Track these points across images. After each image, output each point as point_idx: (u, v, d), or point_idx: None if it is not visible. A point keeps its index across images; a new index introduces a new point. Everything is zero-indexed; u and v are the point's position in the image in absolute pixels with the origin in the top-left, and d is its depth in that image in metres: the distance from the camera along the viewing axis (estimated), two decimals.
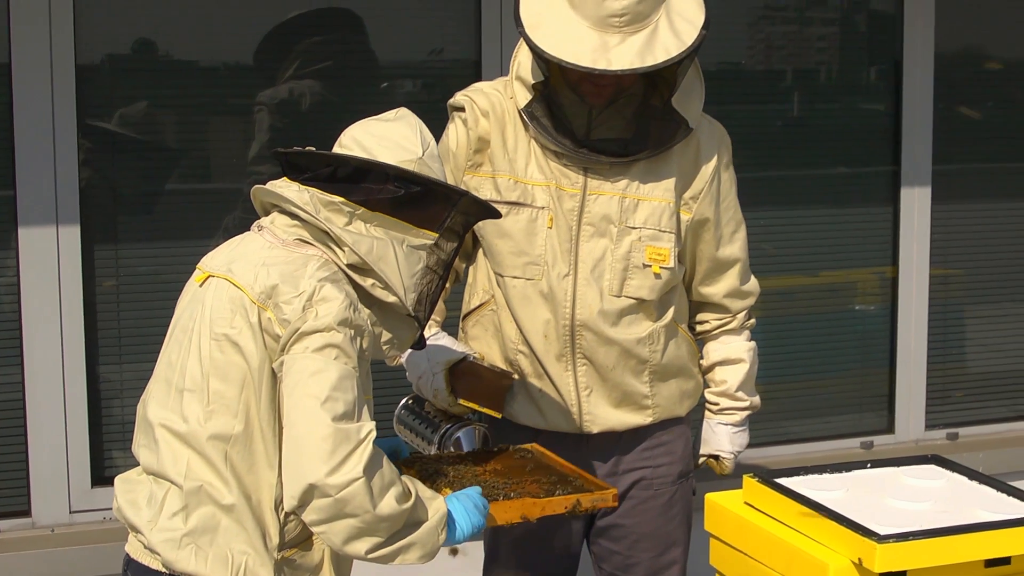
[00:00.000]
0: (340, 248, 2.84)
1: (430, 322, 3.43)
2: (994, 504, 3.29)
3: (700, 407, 3.84)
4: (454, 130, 3.58)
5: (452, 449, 3.42)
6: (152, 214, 4.51)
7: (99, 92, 4.37)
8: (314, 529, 2.70)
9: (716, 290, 3.71)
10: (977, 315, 5.59)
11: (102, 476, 4.37)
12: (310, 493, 2.65)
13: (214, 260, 2.95)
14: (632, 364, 3.56)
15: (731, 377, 3.76)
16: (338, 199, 2.84)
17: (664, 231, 3.53)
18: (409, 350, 3.24)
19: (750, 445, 4.77)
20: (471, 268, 3.70)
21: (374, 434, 2.71)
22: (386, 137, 2.91)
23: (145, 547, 2.82)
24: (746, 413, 3.80)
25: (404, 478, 2.81)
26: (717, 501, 3.44)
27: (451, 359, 3.47)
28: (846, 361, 5.31)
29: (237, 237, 3.02)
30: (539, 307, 3.52)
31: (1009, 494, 3.36)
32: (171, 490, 2.80)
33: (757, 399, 3.82)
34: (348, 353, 2.74)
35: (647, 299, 3.54)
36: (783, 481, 3.40)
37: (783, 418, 5.21)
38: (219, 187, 4.60)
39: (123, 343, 4.42)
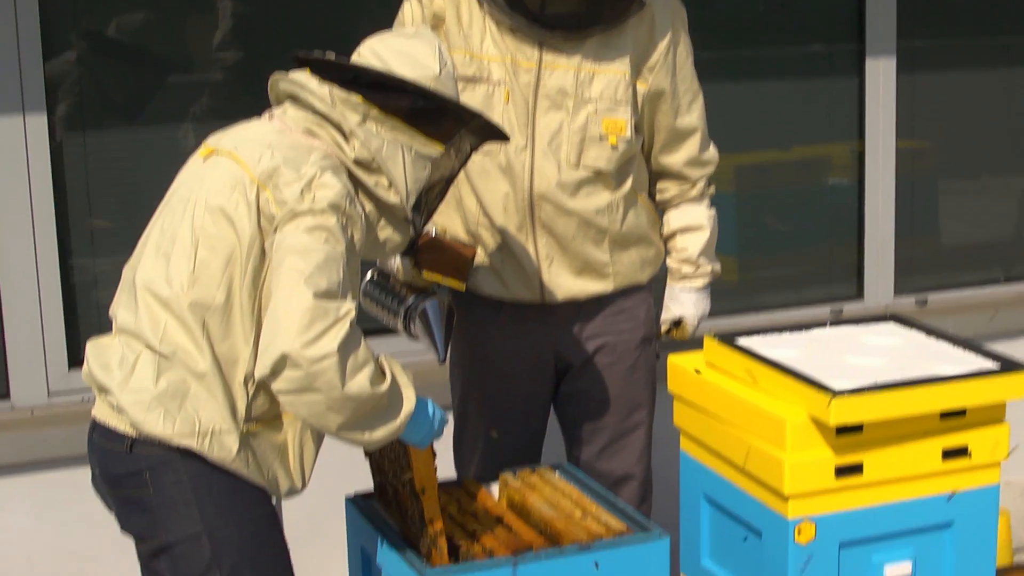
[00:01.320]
0: (348, 143, 2.92)
1: None
2: (951, 358, 3.35)
3: (663, 275, 3.89)
4: (409, 9, 3.60)
5: (418, 321, 3.47)
6: (120, 103, 4.51)
7: None
8: (281, 399, 2.75)
9: (675, 159, 3.75)
10: (946, 187, 5.61)
11: (79, 359, 4.40)
12: (282, 363, 2.70)
13: (221, 139, 3.01)
14: (592, 234, 3.60)
15: (692, 244, 3.80)
16: (356, 98, 2.93)
17: (620, 102, 3.56)
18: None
19: (721, 314, 4.86)
20: None
21: (353, 314, 2.75)
22: (405, 53, 3.00)
23: (113, 408, 2.88)
24: (707, 279, 3.85)
25: (383, 358, 2.87)
26: (678, 363, 3.51)
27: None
28: (815, 233, 5.34)
29: (246, 121, 3.08)
30: (498, 180, 3.56)
31: (966, 348, 3.41)
32: (144, 353, 2.86)
33: (718, 265, 3.87)
34: (337, 238, 2.80)
35: (605, 170, 3.57)
36: (742, 341, 3.46)
37: (754, 289, 5.26)
38: (187, 77, 4.59)
39: (96, 228, 4.44)
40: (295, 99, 3.01)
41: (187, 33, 4.60)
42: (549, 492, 3.34)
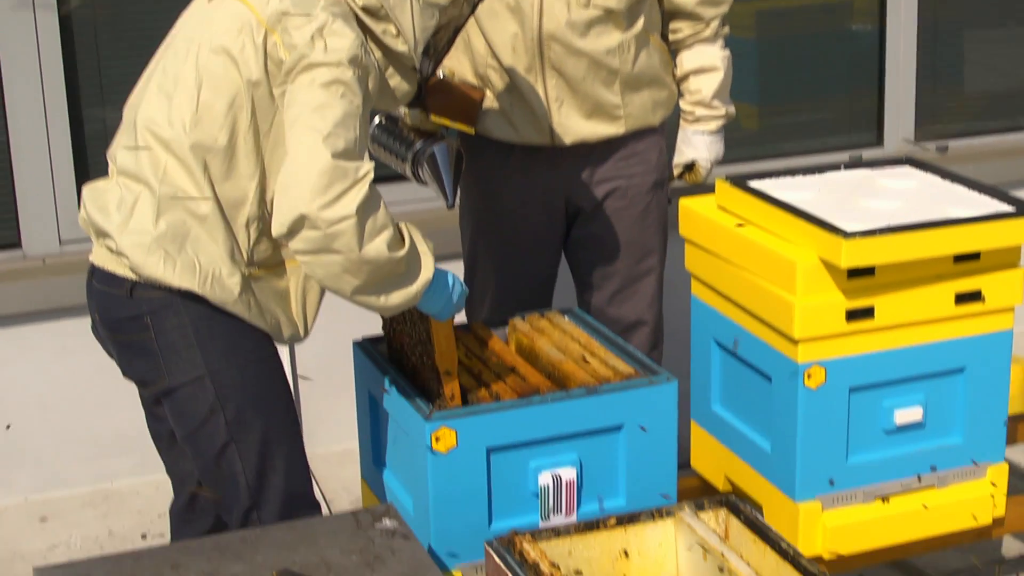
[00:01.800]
0: None
1: None
2: (966, 202, 3.29)
3: (675, 118, 3.83)
4: None
5: (426, 166, 3.42)
6: None
7: None
8: (299, 259, 2.72)
9: None
10: (970, 34, 5.50)
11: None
12: (300, 223, 2.65)
13: None
14: (602, 75, 3.53)
15: (706, 86, 3.73)
16: None
17: None
18: None
19: (739, 160, 4.80)
20: None
21: (371, 175, 2.70)
22: None
23: (112, 252, 2.85)
24: (721, 122, 3.78)
25: (404, 225, 2.83)
26: (691, 206, 3.45)
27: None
28: (836, 80, 5.26)
29: None
30: (506, 20, 3.48)
31: (981, 191, 3.35)
32: (143, 194, 2.81)
33: (732, 108, 3.79)
34: (354, 91, 2.74)
35: (615, 8, 3.49)
36: (755, 184, 3.40)
37: (773, 136, 5.19)
38: None
39: (105, 74, 4.39)
40: None
41: None
42: (558, 336, 3.31)
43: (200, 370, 2.85)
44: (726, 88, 3.75)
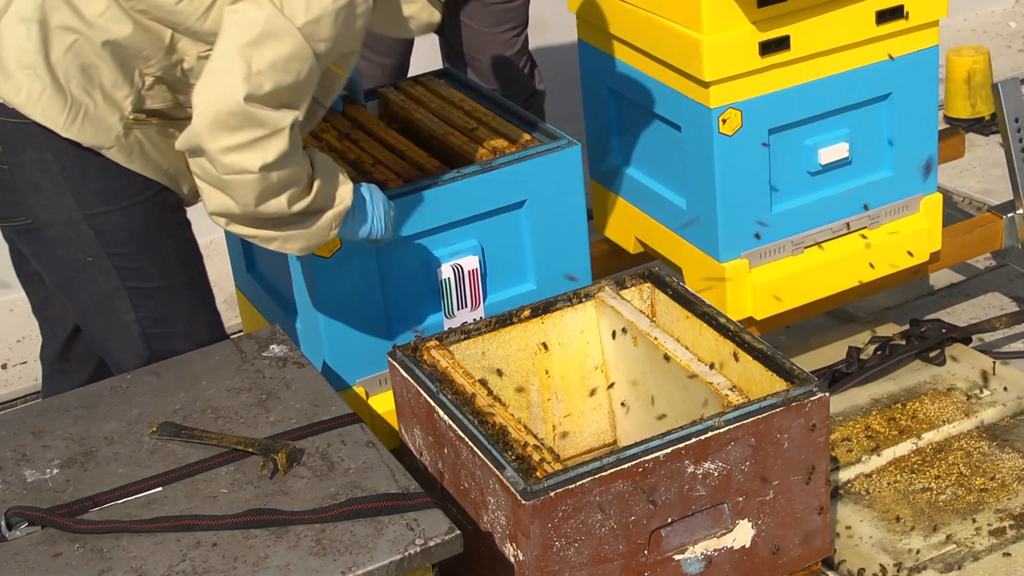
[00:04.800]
0: None
1: None
2: None
3: None
4: None
5: None
6: None
7: None
8: (194, 179, 2.28)
9: None
10: None
11: None
12: (198, 151, 2.21)
13: None
14: None
15: None
16: None
17: None
18: None
19: None
20: None
21: (294, 127, 2.22)
22: None
23: None
24: None
25: (318, 157, 2.33)
26: None
27: None
28: None
29: None
30: None
31: None
32: None
33: None
34: (321, 28, 2.22)
35: None
36: None
37: None
38: None
39: None
40: None
41: None
42: (437, 105, 2.93)
43: (72, 213, 2.39)
44: None
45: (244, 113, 2.16)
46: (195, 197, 2.49)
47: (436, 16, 2.41)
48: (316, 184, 2.29)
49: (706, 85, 2.75)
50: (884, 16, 2.85)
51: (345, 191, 2.35)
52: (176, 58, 2.34)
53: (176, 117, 2.40)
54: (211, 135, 2.17)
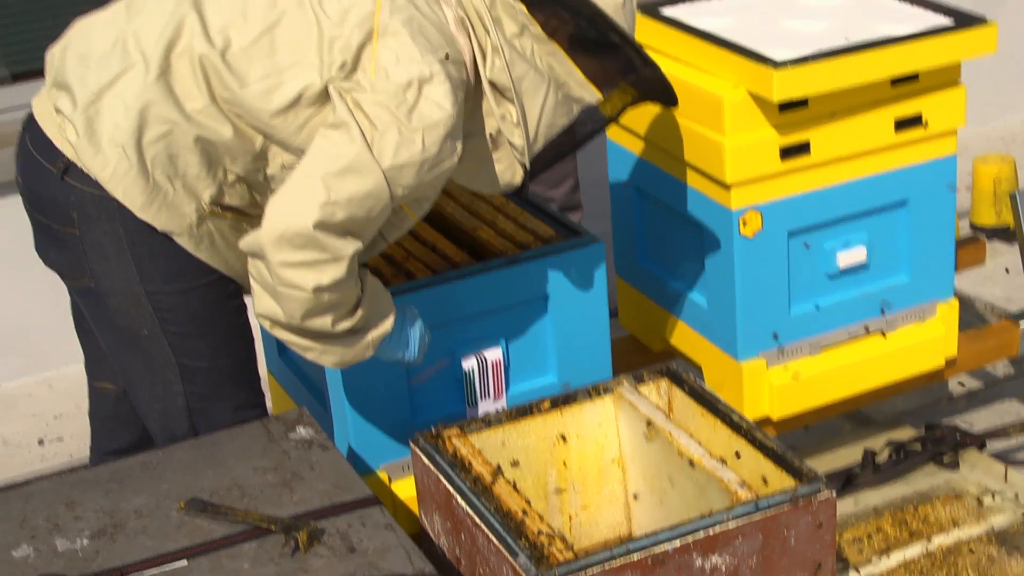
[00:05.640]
0: (488, 60, 2.38)
1: None
2: (898, 16, 3.04)
3: None
4: None
5: None
6: None
7: None
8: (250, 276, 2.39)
9: None
10: None
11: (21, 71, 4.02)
12: (259, 256, 2.31)
13: None
14: None
15: None
16: (520, 6, 2.37)
17: None
18: None
19: None
20: None
21: (355, 257, 2.32)
22: None
23: (60, 114, 2.42)
24: None
25: (369, 281, 2.42)
26: None
27: None
28: None
29: None
30: None
31: (914, 3, 3.10)
32: (136, 70, 2.37)
33: None
34: (406, 174, 2.32)
35: None
36: (668, 12, 3.12)
37: None
38: None
39: None
40: None
41: None
42: (467, 198, 3.03)
43: (135, 286, 2.48)
44: None
45: (310, 236, 2.26)
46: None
47: (519, 177, 2.49)
48: (362, 308, 2.39)
49: (727, 187, 2.84)
50: (903, 124, 2.94)
51: (388, 320, 2.44)
52: (262, 163, 2.44)
53: (249, 214, 2.49)
54: (274, 247, 2.28)
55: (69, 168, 2.43)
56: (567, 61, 2.42)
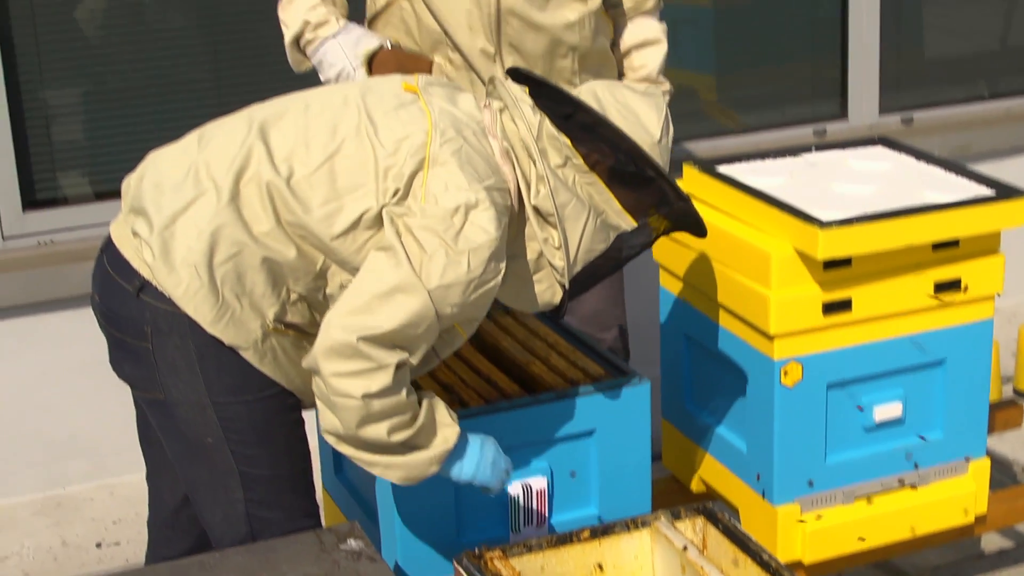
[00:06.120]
0: (533, 187, 2.60)
1: (332, 18, 3.23)
2: (942, 185, 3.19)
3: None
4: None
5: None
6: None
7: None
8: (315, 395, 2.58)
9: None
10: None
11: (33, 200, 4.23)
12: (316, 371, 2.52)
13: (431, 90, 2.69)
14: (561, 51, 3.39)
15: (651, 60, 3.58)
16: (564, 139, 2.60)
17: None
18: (325, 43, 3.13)
19: (700, 137, 4.68)
20: None
21: (403, 366, 2.50)
22: (630, 108, 2.65)
23: (137, 236, 2.60)
24: (668, 97, 3.64)
25: (426, 397, 2.59)
26: None
27: (369, 48, 3.29)
28: (798, 48, 5.15)
29: (457, 87, 2.77)
30: None
31: (958, 174, 3.25)
32: (208, 196, 2.56)
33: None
34: (452, 295, 2.51)
35: None
36: (724, 169, 3.28)
37: (735, 109, 5.07)
38: None
39: (43, 65, 4.23)
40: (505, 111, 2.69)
41: None
42: (523, 335, 3.19)
43: (202, 397, 2.64)
44: (664, 62, 3.62)
45: (356, 348, 2.45)
46: (312, 403, 2.72)
47: (558, 297, 2.67)
48: (420, 420, 2.55)
49: (771, 338, 2.98)
50: (942, 287, 3.07)
51: (450, 433, 2.60)
52: (322, 283, 2.63)
53: (309, 333, 2.66)
54: (326, 359, 2.47)
55: (145, 286, 2.60)
56: (606, 191, 2.61)
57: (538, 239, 2.61)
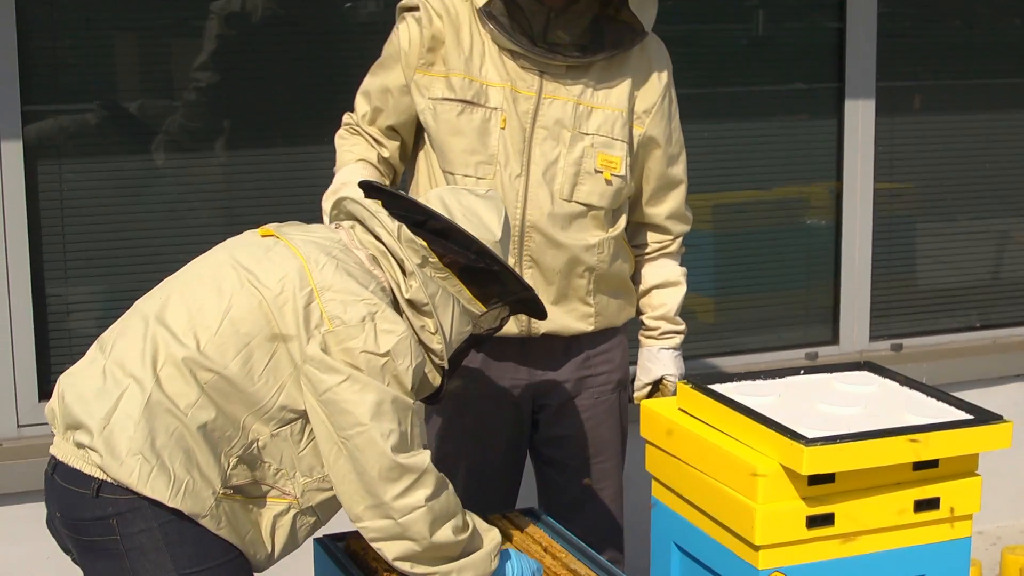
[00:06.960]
0: (406, 281, 2.93)
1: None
2: (923, 408, 3.33)
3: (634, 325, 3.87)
4: (406, 28, 3.54)
5: None
6: (95, 130, 4.48)
7: (40, 9, 4.33)
8: (371, 543, 2.83)
9: (660, 211, 3.73)
10: (923, 230, 5.62)
11: (49, 391, 4.37)
12: (375, 511, 2.78)
13: (285, 229, 3.01)
14: (579, 270, 3.57)
15: (670, 300, 3.78)
16: (421, 242, 2.95)
17: (616, 139, 3.55)
18: None
19: (696, 356, 4.85)
20: (410, 172, 3.70)
21: (430, 462, 2.84)
22: (473, 211, 3.04)
23: (81, 447, 2.79)
24: (682, 337, 3.83)
25: (463, 512, 2.92)
26: (652, 407, 3.48)
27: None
28: (792, 275, 5.34)
29: (304, 224, 3.09)
30: None
31: (939, 399, 3.40)
32: (132, 391, 2.77)
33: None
34: (404, 383, 2.83)
35: (597, 205, 3.55)
36: (716, 387, 3.44)
37: (731, 331, 5.25)
38: (162, 101, 4.57)
39: (68, 258, 4.41)
40: (362, 224, 3.02)
41: (166, 57, 4.58)
42: (519, 539, 3.31)
43: (170, 572, 2.80)
44: (681, 304, 3.82)
45: (396, 462, 2.75)
46: (266, 562, 2.93)
47: (437, 380, 3.00)
48: (468, 519, 2.88)
49: (756, 548, 3.10)
50: (922, 505, 3.20)
51: (494, 532, 2.97)
52: (252, 437, 2.83)
53: (253, 495, 2.88)
54: (382, 490, 2.76)
55: (102, 485, 2.78)
56: (458, 283, 2.98)
57: (415, 328, 2.91)
